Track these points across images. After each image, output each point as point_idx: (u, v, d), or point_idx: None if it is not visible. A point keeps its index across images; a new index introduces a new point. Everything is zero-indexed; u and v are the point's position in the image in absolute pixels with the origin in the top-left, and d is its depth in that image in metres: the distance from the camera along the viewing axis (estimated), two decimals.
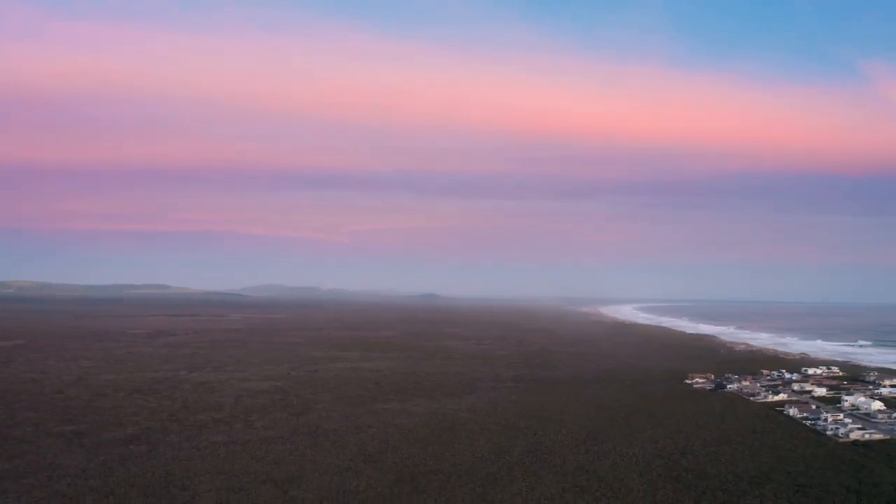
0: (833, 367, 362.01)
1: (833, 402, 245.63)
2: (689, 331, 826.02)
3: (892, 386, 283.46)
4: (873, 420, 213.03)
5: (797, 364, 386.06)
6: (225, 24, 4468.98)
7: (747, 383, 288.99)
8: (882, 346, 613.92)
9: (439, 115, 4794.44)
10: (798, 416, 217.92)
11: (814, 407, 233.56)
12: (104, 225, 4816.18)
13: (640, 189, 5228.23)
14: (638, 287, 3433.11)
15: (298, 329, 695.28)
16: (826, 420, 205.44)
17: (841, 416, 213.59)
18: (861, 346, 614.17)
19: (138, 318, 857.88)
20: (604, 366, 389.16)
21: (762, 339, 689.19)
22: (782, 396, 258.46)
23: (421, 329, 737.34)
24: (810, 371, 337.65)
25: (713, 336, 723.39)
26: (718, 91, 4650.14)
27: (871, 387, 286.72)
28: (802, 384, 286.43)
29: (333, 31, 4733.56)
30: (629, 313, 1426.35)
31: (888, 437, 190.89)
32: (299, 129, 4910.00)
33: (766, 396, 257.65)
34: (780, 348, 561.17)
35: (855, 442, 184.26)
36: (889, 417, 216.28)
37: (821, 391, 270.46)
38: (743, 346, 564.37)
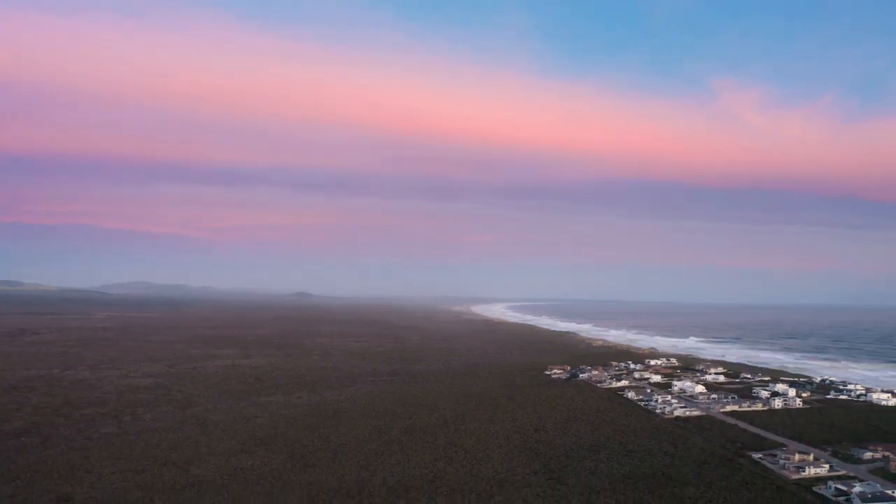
0: (672, 359, 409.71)
1: (665, 387, 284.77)
2: (552, 328, 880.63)
3: (715, 373, 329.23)
4: (695, 400, 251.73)
5: (646, 357, 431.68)
6: (86, 5, 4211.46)
7: (597, 373, 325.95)
8: (712, 341, 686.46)
9: (312, 112, 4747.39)
10: (635, 398, 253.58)
11: (648, 391, 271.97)
12: None
13: (510, 192, 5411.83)
14: (508, 287, 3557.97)
15: (171, 327, 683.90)
16: (656, 401, 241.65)
17: (669, 397, 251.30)
18: (694, 341, 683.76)
19: None
20: (472, 360, 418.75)
21: (617, 336, 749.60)
22: (624, 383, 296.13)
23: (296, 327, 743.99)
24: (652, 362, 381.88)
25: (574, 333, 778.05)
26: (584, 99, 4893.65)
27: (698, 374, 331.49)
28: (642, 373, 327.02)
29: (207, 23, 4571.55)
30: (499, 312, 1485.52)
31: (704, 413, 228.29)
32: (163, 119, 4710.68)
33: (610, 383, 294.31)
34: (633, 343, 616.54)
35: (677, 417, 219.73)
36: (708, 398, 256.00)
37: (656, 378, 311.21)
38: (600, 342, 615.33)
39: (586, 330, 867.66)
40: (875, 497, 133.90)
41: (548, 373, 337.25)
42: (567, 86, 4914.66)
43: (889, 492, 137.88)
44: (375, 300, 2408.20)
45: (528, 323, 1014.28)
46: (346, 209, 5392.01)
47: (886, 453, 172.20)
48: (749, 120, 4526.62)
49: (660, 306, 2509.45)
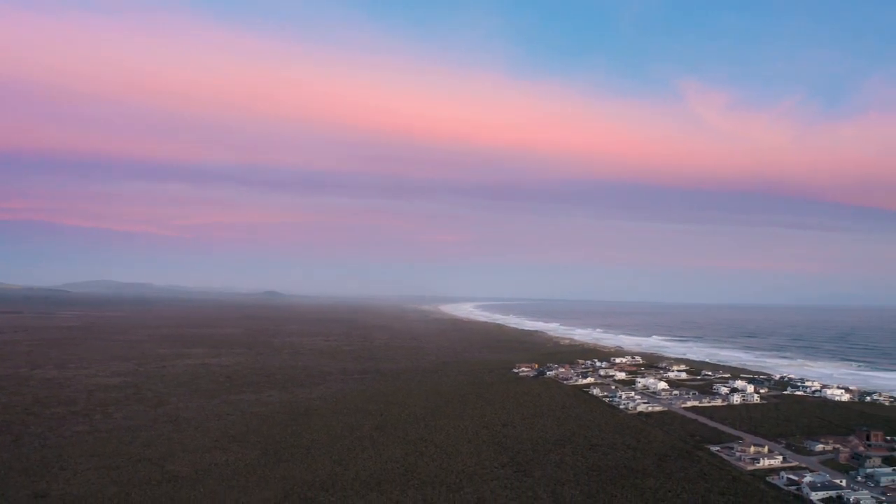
0: (636, 357, 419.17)
1: (629, 384, 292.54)
2: (520, 327, 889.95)
3: (678, 371, 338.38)
4: (658, 397, 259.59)
5: (611, 355, 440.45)
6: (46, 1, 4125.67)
7: (563, 370, 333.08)
8: (675, 340, 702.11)
9: (280, 110, 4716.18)
10: (600, 394, 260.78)
11: (613, 387, 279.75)
12: None
13: (478, 192, 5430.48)
14: (476, 286, 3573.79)
15: (137, 326, 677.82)
16: (620, 397, 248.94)
17: (633, 394, 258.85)
18: (656, 339, 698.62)
19: None
20: (441, 358, 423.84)
21: (583, 335, 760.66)
22: (590, 380, 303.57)
23: (265, 326, 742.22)
24: (617, 360, 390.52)
25: (542, 332, 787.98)
26: (551, 100, 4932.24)
27: (661, 371, 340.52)
28: (608, 370, 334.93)
29: (174, 19, 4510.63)
30: (467, 311, 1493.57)
31: (666, 408, 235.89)
32: (126, 115, 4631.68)
33: (576, 380, 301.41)
34: (600, 342, 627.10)
35: (640, 413, 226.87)
36: (670, 394, 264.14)
37: (621, 375, 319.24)
38: (567, 341, 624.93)
39: (553, 329, 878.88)
40: (823, 486, 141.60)
41: (516, 370, 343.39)
42: (535, 86, 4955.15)
43: (837, 481, 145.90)
44: (344, 299, 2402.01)
45: (497, 322, 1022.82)
46: (314, 208, 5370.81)
47: (836, 445, 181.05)
48: (714, 122, 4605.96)
49: (625, 306, 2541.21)
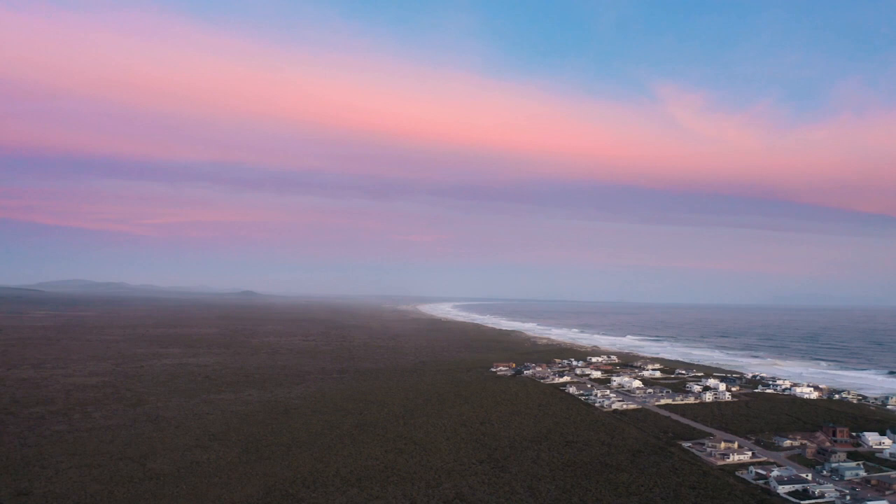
0: (612, 356, 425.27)
1: (605, 383, 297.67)
2: (498, 327, 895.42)
3: (652, 369, 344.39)
4: (632, 395, 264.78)
5: (588, 354, 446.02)
6: None
7: (540, 369, 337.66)
8: (649, 339, 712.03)
9: (256, 109, 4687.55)
10: (576, 393, 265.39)
11: (588, 386, 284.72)
12: None
13: (455, 192, 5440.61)
14: (454, 286, 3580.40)
15: (113, 326, 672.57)
16: (596, 395, 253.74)
17: (608, 392, 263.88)
18: (630, 339, 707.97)
19: None
20: (420, 357, 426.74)
21: (560, 334, 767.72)
22: (566, 378, 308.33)
23: (243, 326, 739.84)
24: (593, 359, 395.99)
25: (519, 331, 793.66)
26: (528, 101, 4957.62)
27: (636, 370, 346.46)
28: (584, 369, 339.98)
29: (147, 15, 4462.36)
30: (446, 311, 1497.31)
31: (641, 406, 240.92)
32: (101, 112, 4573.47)
33: (553, 379, 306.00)
34: (576, 341, 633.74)
35: (615, 411, 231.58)
36: (644, 392, 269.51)
37: (597, 374, 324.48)
38: (545, 340, 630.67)
39: (531, 328, 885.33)
40: (790, 480, 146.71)
41: (493, 370, 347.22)
42: (513, 87, 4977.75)
43: (803, 475, 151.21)
44: (322, 299, 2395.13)
45: (475, 322, 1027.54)
46: (290, 207, 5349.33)
47: (804, 441, 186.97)
48: (690, 124, 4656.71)
49: (602, 306, 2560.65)
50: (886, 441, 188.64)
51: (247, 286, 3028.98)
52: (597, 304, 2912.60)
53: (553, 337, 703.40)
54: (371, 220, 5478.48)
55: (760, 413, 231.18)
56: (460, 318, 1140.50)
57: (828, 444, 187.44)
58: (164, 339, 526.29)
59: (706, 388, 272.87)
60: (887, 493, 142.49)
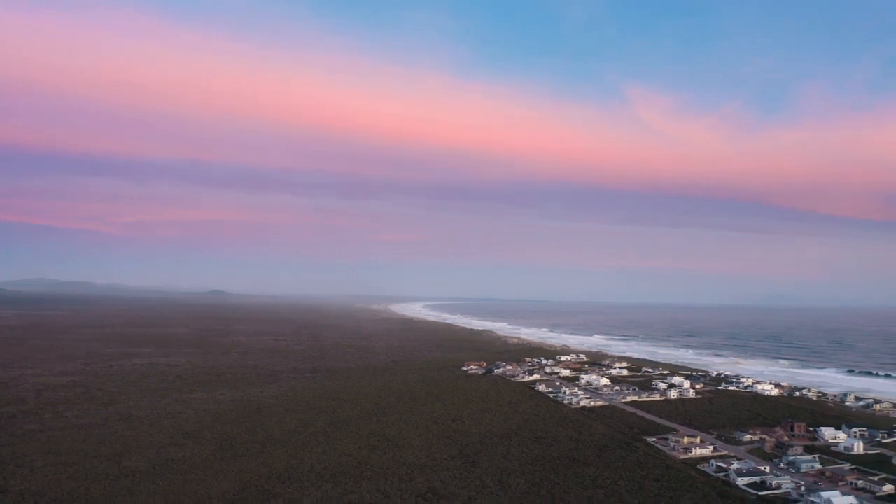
0: (581, 355, 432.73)
1: (574, 381, 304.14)
2: (469, 326, 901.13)
3: (620, 367, 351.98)
4: (600, 392, 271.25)
5: (557, 353, 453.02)
6: None
7: (511, 368, 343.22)
8: (617, 339, 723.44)
9: (226, 106, 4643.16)
10: (545, 390, 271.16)
11: (558, 384, 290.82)
12: None
13: (426, 191, 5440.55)
14: (426, 286, 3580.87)
15: (81, 326, 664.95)
16: (565, 393, 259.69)
17: (576, 389, 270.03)
18: (598, 338, 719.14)
19: None
20: (392, 357, 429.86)
21: (530, 334, 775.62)
22: (536, 377, 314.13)
23: (213, 325, 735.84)
24: (563, 358, 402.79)
25: (490, 331, 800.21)
26: (501, 101, 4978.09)
27: (604, 368, 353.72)
28: (553, 367, 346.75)
29: (114, 10, 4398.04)
30: (417, 311, 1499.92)
31: (608, 403, 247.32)
32: (66, 108, 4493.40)
33: (523, 377, 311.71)
34: (546, 341, 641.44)
35: (583, 407, 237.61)
36: (612, 390, 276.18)
37: (566, 372, 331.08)
38: (515, 340, 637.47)
39: (501, 328, 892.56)
40: (748, 472, 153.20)
41: (465, 368, 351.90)
42: (484, 87, 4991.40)
43: (761, 468, 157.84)
44: (292, 298, 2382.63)
45: (446, 321, 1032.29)
46: (261, 206, 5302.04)
47: (763, 436, 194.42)
48: (658, 126, 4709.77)
49: (572, 305, 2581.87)
50: (841, 435, 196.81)
51: (217, 286, 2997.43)
52: (567, 303, 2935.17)
53: (523, 336, 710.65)
54: (343, 219, 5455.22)
55: (723, 409, 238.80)
56: (432, 318, 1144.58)
57: (786, 438, 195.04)
58: (133, 339, 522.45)
59: (671, 386, 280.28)
60: (840, 483, 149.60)
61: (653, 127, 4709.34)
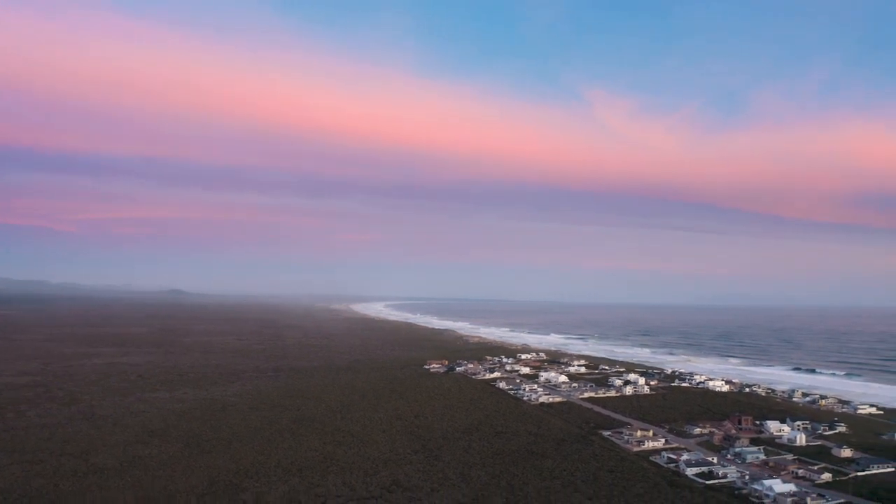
0: (541, 353, 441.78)
1: (533, 378, 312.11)
2: (430, 326, 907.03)
3: (578, 365, 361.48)
4: (558, 389, 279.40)
5: (518, 351, 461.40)
6: None
7: (472, 366, 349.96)
8: (574, 338, 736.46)
9: (187, 103, 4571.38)
10: (506, 387, 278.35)
11: (518, 381, 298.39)
12: None
13: (390, 190, 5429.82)
14: (387, 286, 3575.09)
15: (38, 325, 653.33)
16: (524, 390, 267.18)
17: (536, 386, 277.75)
18: (556, 337, 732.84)
19: None
20: (354, 356, 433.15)
21: (490, 333, 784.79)
22: (496, 374, 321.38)
23: (174, 325, 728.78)
24: (523, 356, 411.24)
25: (451, 330, 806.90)
26: (462, 101, 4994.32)
27: (563, 366, 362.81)
28: (514, 365, 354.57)
29: (67, 4, 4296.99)
30: (379, 310, 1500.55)
31: (566, 399, 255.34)
32: (21, 103, 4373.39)
33: (484, 375, 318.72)
34: (506, 340, 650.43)
35: (542, 403, 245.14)
36: (569, 387, 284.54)
37: (526, 370, 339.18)
38: (476, 339, 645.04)
39: (463, 327, 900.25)
40: (697, 463, 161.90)
41: (427, 367, 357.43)
42: (447, 87, 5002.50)
43: (709, 459, 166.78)
44: (253, 298, 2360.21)
45: (408, 321, 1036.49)
46: (220, 204, 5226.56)
47: (712, 429, 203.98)
48: (619, 128, 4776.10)
49: (532, 305, 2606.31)
50: (786, 428, 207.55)
51: (175, 285, 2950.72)
52: (527, 303, 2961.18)
53: (484, 335, 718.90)
54: (304, 218, 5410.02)
55: (675, 405, 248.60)
56: (393, 318, 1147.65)
57: (733, 431, 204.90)
58: (91, 339, 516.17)
59: (627, 383, 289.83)
60: (782, 472, 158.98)
61: (612, 128, 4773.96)
